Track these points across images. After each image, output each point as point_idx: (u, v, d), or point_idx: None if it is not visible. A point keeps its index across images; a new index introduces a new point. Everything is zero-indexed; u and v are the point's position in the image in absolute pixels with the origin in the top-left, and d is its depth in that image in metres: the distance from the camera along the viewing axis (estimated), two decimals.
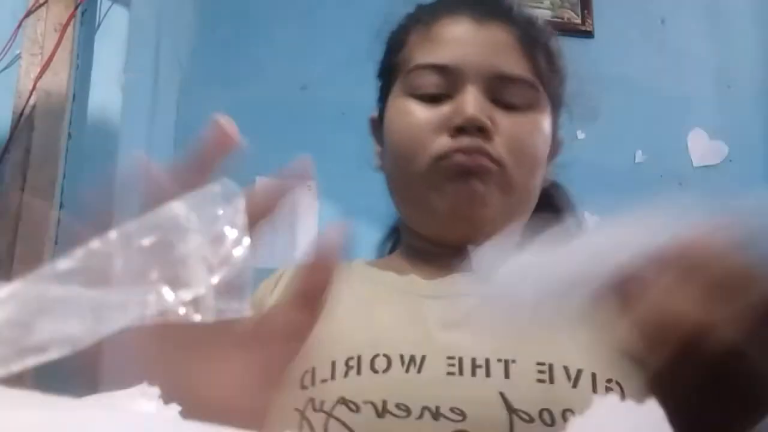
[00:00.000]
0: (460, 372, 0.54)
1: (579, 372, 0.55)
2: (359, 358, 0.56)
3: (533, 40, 0.66)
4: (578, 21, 2.23)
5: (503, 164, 0.61)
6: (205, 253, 0.23)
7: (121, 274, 0.22)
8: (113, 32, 1.40)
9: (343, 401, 0.54)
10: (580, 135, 2.17)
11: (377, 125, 0.73)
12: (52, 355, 0.22)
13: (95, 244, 0.23)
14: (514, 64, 0.64)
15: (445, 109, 0.62)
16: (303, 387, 0.56)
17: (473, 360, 0.54)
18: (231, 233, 0.24)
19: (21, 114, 1.27)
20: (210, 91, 1.96)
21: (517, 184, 0.63)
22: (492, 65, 0.63)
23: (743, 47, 2.31)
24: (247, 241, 0.25)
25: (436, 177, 0.61)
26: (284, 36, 2.04)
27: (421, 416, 0.52)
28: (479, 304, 0.52)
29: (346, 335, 0.58)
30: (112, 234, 0.23)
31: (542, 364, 0.55)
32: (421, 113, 0.63)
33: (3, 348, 0.21)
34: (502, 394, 0.53)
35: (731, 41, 2.31)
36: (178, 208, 0.23)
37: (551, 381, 0.54)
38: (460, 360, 0.54)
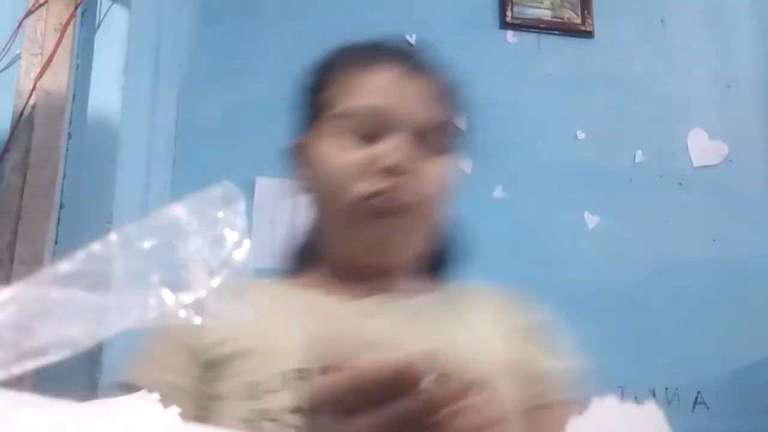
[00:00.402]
0: None
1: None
2: (305, 370, 0.61)
3: (450, 91, 0.74)
4: (578, 21, 2.23)
5: (421, 204, 0.69)
6: (206, 255, 0.23)
7: (122, 276, 0.22)
8: (113, 32, 1.40)
9: (297, 410, 0.58)
10: (580, 135, 2.17)
11: (296, 153, 0.77)
12: (53, 357, 0.22)
13: (96, 246, 0.23)
14: (436, 113, 0.71)
15: (373, 151, 0.68)
16: (249, 398, 0.62)
17: None
18: (231, 236, 0.24)
19: (21, 114, 1.27)
20: (210, 91, 1.96)
21: (431, 219, 0.72)
22: (417, 114, 0.69)
23: (743, 47, 2.31)
24: (247, 243, 0.25)
25: (362, 213, 0.68)
26: (284, 36, 2.05)
27: None
28: (401, 321, 0.68)
29: (288, 350, 0.64)
30: (113, 236, 0.23)
31: None
32: (347, 154, 0.69)
33: (3, 351, 0.21)
34: None
35: (731, 41, 2.31)
36: (178, 210, 0.23)
37: None
38: None
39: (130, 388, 0.67)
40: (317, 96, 0.74)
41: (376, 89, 0.69)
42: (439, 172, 0.70)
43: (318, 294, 0.73)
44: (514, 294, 0.77)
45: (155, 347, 0.69)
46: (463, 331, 0.70)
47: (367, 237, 0.69)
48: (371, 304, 0.70)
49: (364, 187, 0.67)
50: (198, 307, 0.23)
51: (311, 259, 0.78)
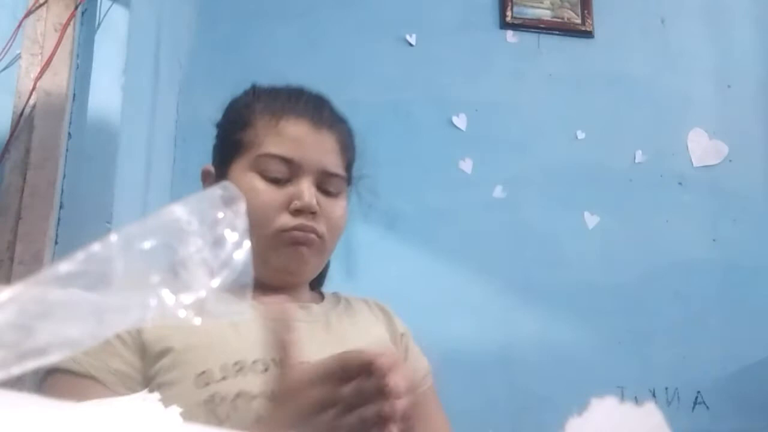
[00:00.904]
0: None
1: None
2: (242, 362, 0.76)
3: (348, 144, 0.92)
4: (578, 21, 2.23)
5: (324, 237, 0.87)
6: (206, 256, 0.23)
7: (122, 277, 0.22)
8: (113, 32, 1.40)
9: (241, 394, 0.73)
10: (580, 135, 2.17)
11: (212, 178, 0.92)
12: (53, 358, 0.22)
13: (96, 246, 0.23)
14: (336, 163, 0.88)
15: (287, 191, 0.85)
16: (201, 385, 0.74)
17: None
18: (231, 236, 0.24)
19: (21, 114, 1.27)
20: (210, 91, 1.96)
21: (330, 248, 0.90)
22: (322, 163, 0.87)
23: (743, 47, 2.32)
24: (247, 243, 0.25)
25: (277, 243, 0.85)
26: (284, 36, 2.05)
27: None
28: (307, 329, 0.84)
29: (228, 345, 0.78)
30: (113, 237, 0.23)
31: None
32: (269, 193, 0.85)
33: (4, 351, 0.21)
34: None
35: (731, 41, 2.31)
36: (178, 211, 0.23)
37: None
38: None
39: (63, 372, 0.75)
40: (241, 133, 0.89)
41: (292, 139, 0.86)
42: (339, 212, 0.89)
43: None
44: (384, 303, 0.97)
45: None
46: (363, 333, 0.89)
47: (283, 261, 0.86)
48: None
49: (283, 221, 0.84)
50: (198, 307, 0.23)
51: None
